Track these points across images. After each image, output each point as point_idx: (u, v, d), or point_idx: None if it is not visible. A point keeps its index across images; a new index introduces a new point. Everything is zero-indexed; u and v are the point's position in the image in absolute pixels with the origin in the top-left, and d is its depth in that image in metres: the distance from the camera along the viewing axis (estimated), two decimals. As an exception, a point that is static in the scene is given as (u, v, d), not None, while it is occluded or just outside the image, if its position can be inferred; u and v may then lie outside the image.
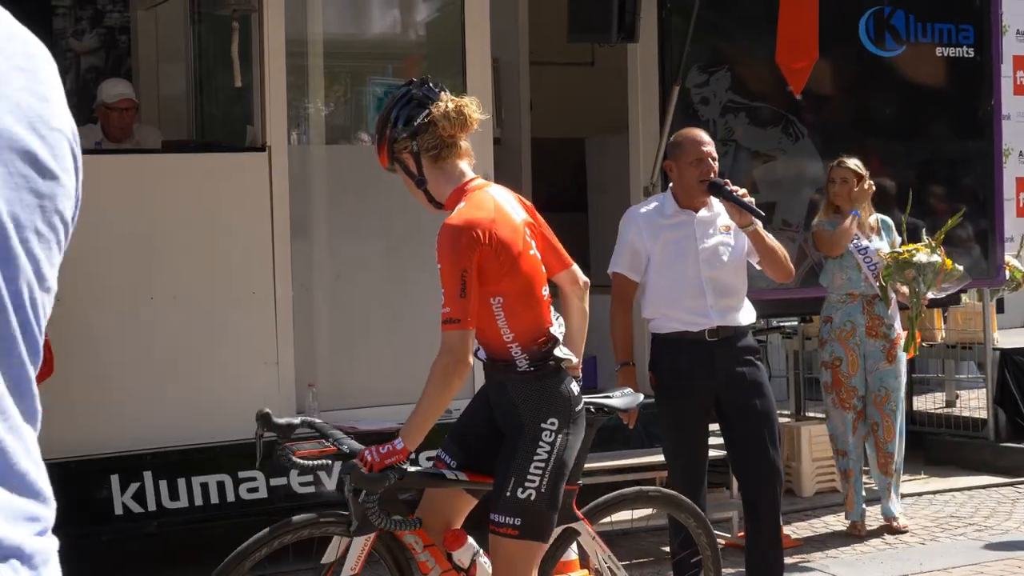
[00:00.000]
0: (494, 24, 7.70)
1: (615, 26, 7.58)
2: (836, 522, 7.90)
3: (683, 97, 7.98)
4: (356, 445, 4.12)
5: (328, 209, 7.42)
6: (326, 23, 7.73)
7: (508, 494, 4.03)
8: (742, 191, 5.48)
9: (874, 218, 7.46)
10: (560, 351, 4.13)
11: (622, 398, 4.59)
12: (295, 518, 4.10)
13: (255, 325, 6.92)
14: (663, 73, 8.04)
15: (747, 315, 5.68)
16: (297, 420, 4.24)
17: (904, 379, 7.61)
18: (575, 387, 4.20)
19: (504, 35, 8.82)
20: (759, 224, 5.47)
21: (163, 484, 6.50)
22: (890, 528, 7.53)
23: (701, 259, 5.57)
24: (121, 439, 6.51)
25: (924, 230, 7.23)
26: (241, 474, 6.58)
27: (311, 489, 6.71)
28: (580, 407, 4.19)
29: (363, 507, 3.95)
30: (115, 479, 6.43)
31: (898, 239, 7.32)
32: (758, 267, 5.70)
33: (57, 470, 6.30)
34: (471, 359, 3.96)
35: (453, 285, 3.88)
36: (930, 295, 7.14)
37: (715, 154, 5.59)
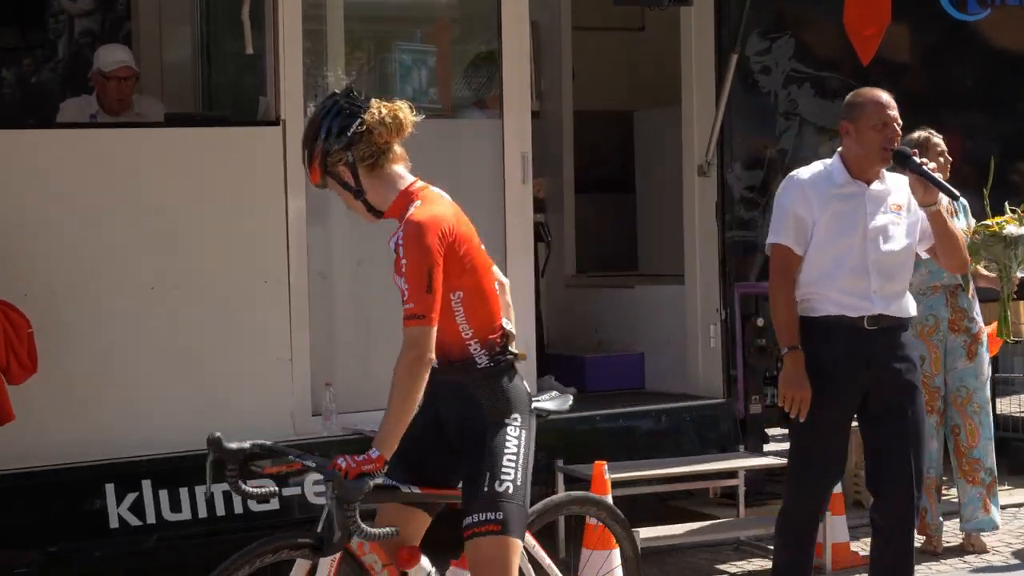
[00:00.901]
0: (533, -17, 7.57)
1: None
2: (910, 537, 7.67)
3: (742, 66, 7.92)
4: (321, 460, 4.25)
5: (347, 189, 7.24)
6: (348, -18, 7.58)
7: (486, 490, 4.23)
8: (932, 164, 5.38)
9: (948, 199, 7.22)
10: (513, 346, 4.41)
11: (552, 400, 4.67)
12: (256, 544, 4.17)
13: (267, 318, 6.86)
14: (719, 40, 7.98)
15: (910, 306, 5.56)
16: (247, 444, 4.33)
17: (987, 377, 7.41)
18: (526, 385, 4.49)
19: (544, -4, 8.68)
20: (943, 204, 5.39)
21: (163, 494, 6.43)
22: (971, 545, 7.31)
23: (869, 237, 5.41)
24: (117, 444, 6.44)
25: (1007, 203, 7.13)
26: (250, 483, 6.41)
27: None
28: (532, 406, 4.47)
29: (344, 516, 4.07)
30: (111, 488, 6.36)
31: (973, 222, 7.16)
32: (924, 255, 5.63)
33: (47, 478, 6.31)
34: (433, 356, 4.17)
35: (418, 281, 4.12)
36: (1020, 273, 7.06)
37: (899, 120, 5.45)
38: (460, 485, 4.37)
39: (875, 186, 5.46)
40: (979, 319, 7.29)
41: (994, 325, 7.17)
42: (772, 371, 8.19)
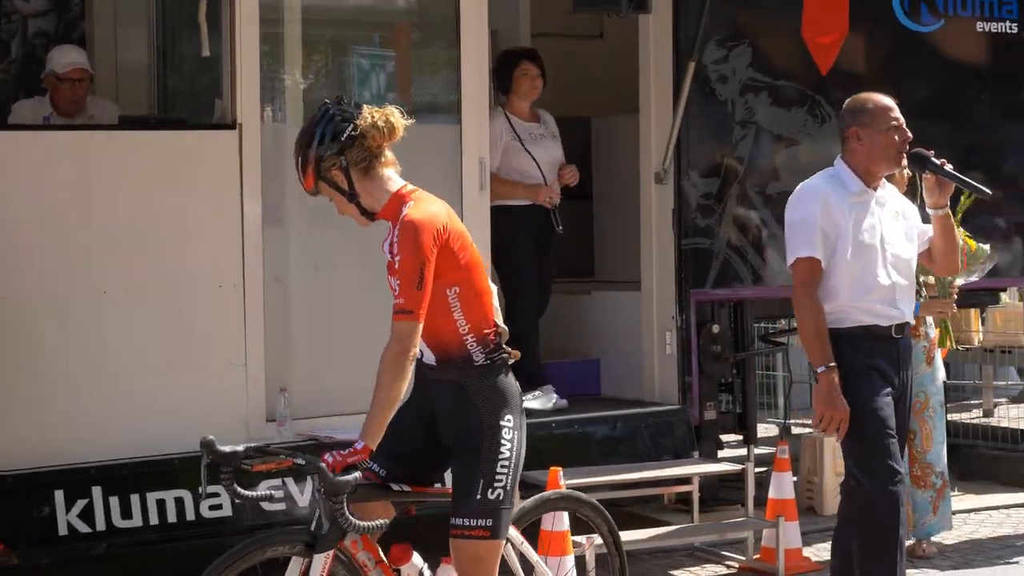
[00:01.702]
0: (493, -10, 7.52)
1: None
2: (863, 544, 7.65)
3: (699, 74, 7.92)
4: (309, 458, 4.26)
5: (304, 193, 7.12)
6: (305, -15, 7.50)
7: (479, 497, 4.35)
8: (949, 164, 5.36)
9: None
10: (505, 345, 4.53)
11: (535, 400, 4.67)
12: (252, 540, 4.25)
13: (221, 322, 6.79)
14: (677, 48, 7.97)
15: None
16: (241, 448, 4.33)
17: (942, 383, 7.44)
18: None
19: (503, 3, 8.65)
20: (949, 207, 5.38)
21: (114, 501, 6.34)
22: (922, 550, 7.31)
23: (887, 244, 5.36)
24: (67, 450, 6.37)
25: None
26: (236, 487, 6.36)
27: (281, 506, 6.58)
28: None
29: (332, 509, 4.15)
30: (59, 495, 6.27)
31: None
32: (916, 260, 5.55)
33: (-7, 485, 6.22)
34: (417, 351, 4.31)
35: (411, 277, 4.25)
36: (959, 281, 7.13)
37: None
38: (450, 483, 4.49)
39: (879, 192, 5.42)
40: (932, 325, 7.30)
41: (938, 331, 7.27)
42: (726, 378, 8.19)
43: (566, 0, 7.73)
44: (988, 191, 5.38)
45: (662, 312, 8.00)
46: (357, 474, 4.13)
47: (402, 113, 4.46)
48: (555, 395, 7.76)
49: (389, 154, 4.46)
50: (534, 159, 7.95)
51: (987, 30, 8.85)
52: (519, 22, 9.43)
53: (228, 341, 6.78)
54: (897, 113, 5.37)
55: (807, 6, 8.19)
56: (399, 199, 4.40)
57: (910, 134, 5.38)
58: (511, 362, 4.54)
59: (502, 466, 4.38)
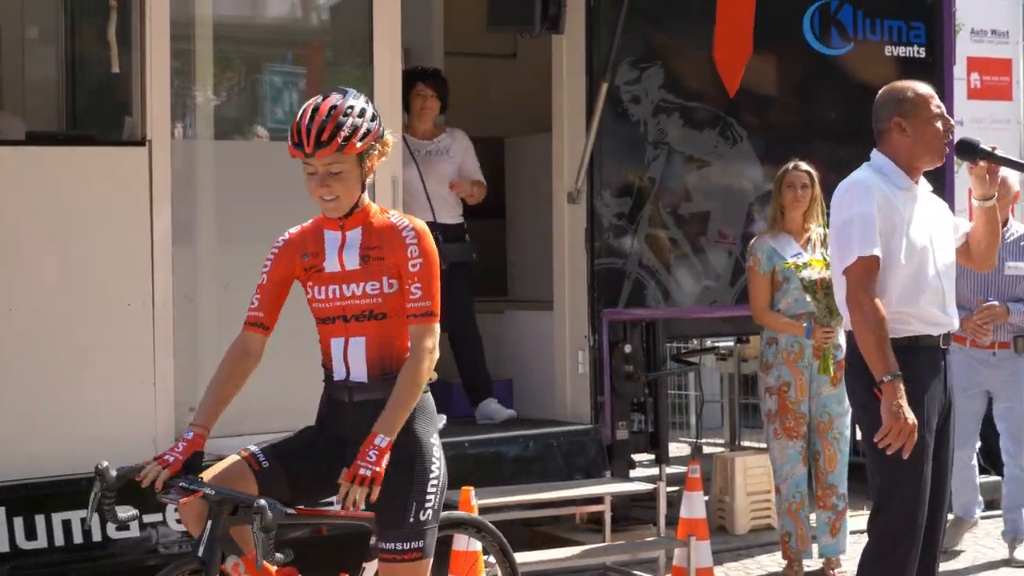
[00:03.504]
0: (405, 9, 7.58)
1: (538, 15, 7.57)
2: (772, 563, 7.79)
3: (612, 95, 7.98)
4: (247, 496, 4.22)
5: (216, 211, 7.25)
6: (217, 2, 7.53)
7: (411, 520, 4.34)
8: (999, 149, 5.04)
9: (816, 232, 7.34)
10: None
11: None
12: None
13: (130, 341, 6.74)
14: (590, 68, 8.03)
15: None
16: (125, 470, 4.28)
17: (848, 406, 7.46)
18: None
19: (416, 21, 8.68)
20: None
21: (18, 522, 6.27)
22: (831, 570, 7.38)
23: (934, 243, 5.03)
24: None
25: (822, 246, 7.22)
26: (117, 511, 6.29)
27: (181, 527, 6.43)
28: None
29: (267, 542, 4.12)
30: None
31: None
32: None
33: None
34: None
35: (433, 281, 4.35)
36: (833, 322, 7.10)
37: None
38: (372, 505, 4.39)
39: (920, 187, 5.10)
40: (844, 347, 7.34)
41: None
42: (639, 397, 8.23)
43: (480, 19, 7.77)
44: None
45: (575, 332, 8.05)
46: (282, 507, 4.12)
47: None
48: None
49: None
50: (420, 173, 7.99)
51: (896, 54, 9.00)
52: (432, 41, 9.47)
53: (137, 360, 6.73)
54: (939, 101, 5.05)
55: (718, 28, 8.29)
56: (365, 210, 4.43)
57: (953, 122, 5.09)
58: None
59: (432, 486, 4.38)
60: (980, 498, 7.96)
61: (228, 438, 6.58)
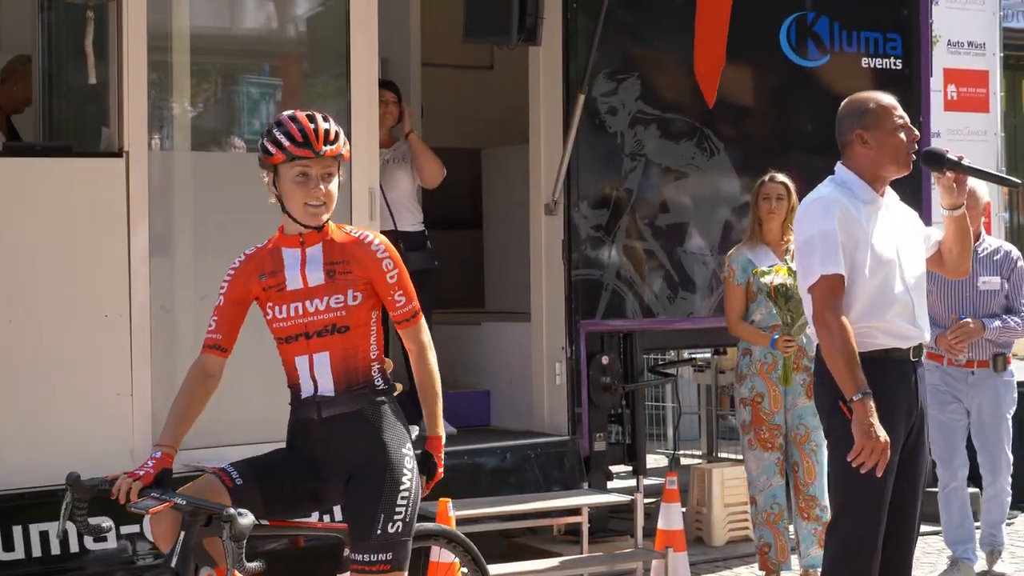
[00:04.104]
0: (383, 21, 7.59)
1: (515, 27, 7.54)
2: (749, 574, 7.84)
3: (589, 106, 7.99)
4: (215, 505, 4.22)
5: (193, 222, 7.25)
6: (194, 15, 7.55)
7: (379, 532, 4.34)
8: (967, 159, 4.99)
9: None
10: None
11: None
12: None
13: (107, 352, 6.74)
14: (567, 80, 8.05)
15: None
16: (98, 480, 4.34)
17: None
18: None
19: (394, 33, 8.71)
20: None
21: (-4, 532, 6.28)
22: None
23: (901, 255, 5.00)
24: None
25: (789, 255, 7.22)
26: (88, 521, 6.29)
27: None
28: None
29: (237, 552, 4.10)
30: None
31: None
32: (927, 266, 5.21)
33: None
34: None
35: (409, 282, 4.51)
36: (799, 334, 7.13)
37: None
38: (345, 517, 4.49)
39: (886, 199, 5.07)
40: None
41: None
42: (616, 409, 8.26)
43: (457, 30, 7.78)
44: (1017, 180, 5.07)
45: (552, 343, 8.08)
46: (252, 517, 4.14)
47: None
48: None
49: None
50: (380, 184, 8.00)
51: (872, 66, 9.05)
52: (409, 52, 9.48)
53: (114, 371, 6.73)
54: (901, 111, 5.01)
55: (698, 40, 8.33)
56: (327, 226, 4.49)
57: (917, 132, 5.05)
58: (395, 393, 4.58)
59: (402, 498, 4.38)
60: (975, 533, 7.71)
61: (231, 446, 6.66)
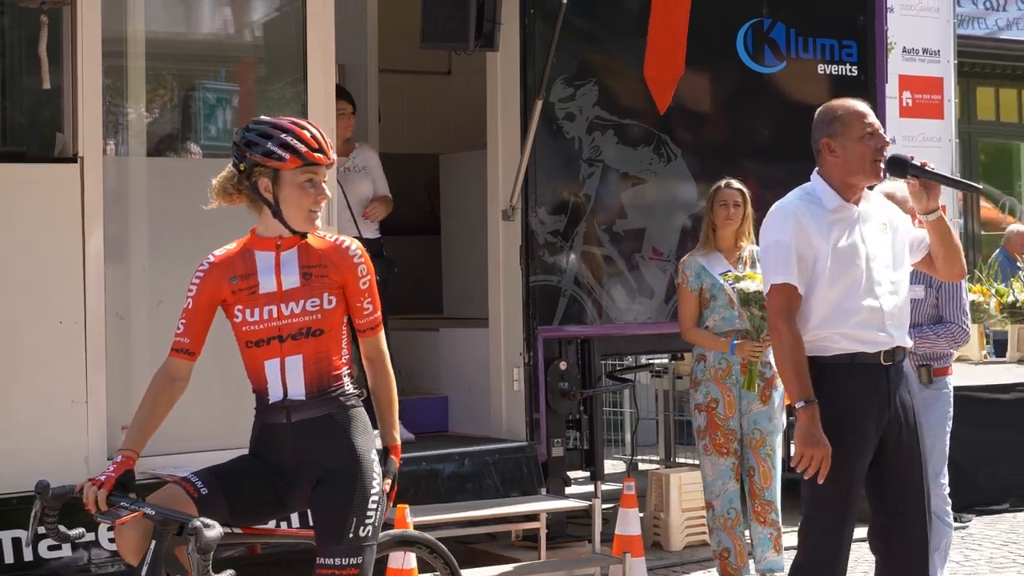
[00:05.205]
0: (340, 26, 7.59)
1: (472, 32, 7.54)
2: (708, 579, 7.82)
3: (547, 112, 8.00)
4: (183, 515, 4.20)
5: (148, 229, 7.22)
6: (149, 19, 7.53)
7: (351, 536, 4.35)
8: (931, 164, 4.97)
9: (748, 250, 7.41)
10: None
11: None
12: None
13: (61, 359, 6.70)
14: (525, 85, 8.07)
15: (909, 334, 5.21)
16: (69, 488, 4.33)
17: (781, 421, 7.52)
18: None
19: (351, 38, 8.71)
20: (944, 210, 4.96)
21: (-52, 541, 6.23)
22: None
23: (872, 262, 5.01)
24: None
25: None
26: (60, 528, 6.27)
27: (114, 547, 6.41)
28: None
29: (204, 565, 4.09)
30: None
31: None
32: (915, 267, 5.24)
33: None
34: None
35: (376, 292, 4.54)
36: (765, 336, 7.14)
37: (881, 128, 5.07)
38: (314, 520, 4.49)
39: (862, 206, 5.06)
40: (773, 364, 7.36)
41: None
42: (574, 414, 8.28)
43: (414, 36, 7.79)
44: (978, 185, 5.02)
45: (510, 349, 8.10)
46: (220, 528, 4.11)
47: None
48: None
49: None
50: (344, 193, 8.01)
51: (828, 72, 9.12)
52: (367, 57, 9.48)
53: (69, 378, 6.69)
54: (871, 119, 5.02)
55: (649, 46, 8.37)
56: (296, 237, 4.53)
57: (887, 139, 5.07)
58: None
59: (373, 502, 4.40)
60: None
61: (186, 454, 6.64)
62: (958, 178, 4.99)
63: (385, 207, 8.26)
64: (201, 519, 4.09)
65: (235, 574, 4.21)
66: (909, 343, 5.14)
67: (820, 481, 4.84)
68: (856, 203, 5.06)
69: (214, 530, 4.06)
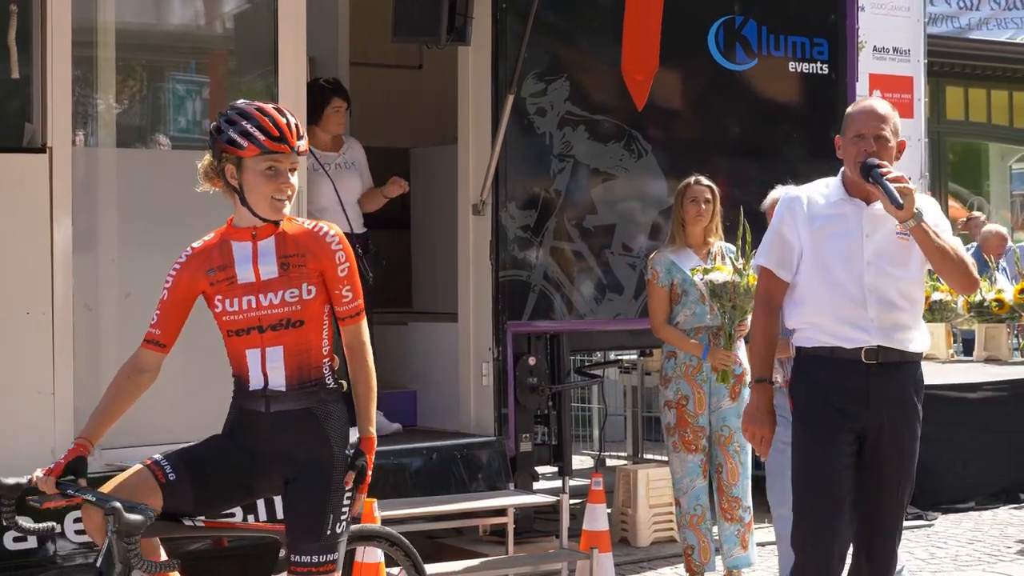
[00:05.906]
0: (311, 18, 7.57)
1: (444, 26, 7.53)
2: (673, 575, 7.89)
3: (518, 107, 8.01)
4: (101, 495, 4.20)
5: (117, 220, 7.18)
6: (120, 9, 7.49)
7: (328, 533, 4.35)
8: (897, 174, 4.90)
9: (718, 246, 7.43)
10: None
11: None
12: None
13: (28, 350, 6.68)
14: (496, 80, 8.07)
15: (920, 340, 5.10)
16: (24, 479, 4.32)
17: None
18: None
19: (322, 31, 8.69)
20: (925, 217, 4.90)
21: (-88, 533, 6.21)
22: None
23: (866, 261, 5.00)
24: None
25: (737, 251, 7.19)
26: (18, 520, 6.24)
27: (88, 537, 6.38)
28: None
29: (127, 549, 4.02)
30: None
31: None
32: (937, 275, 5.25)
33: None
34: None
35: (358, 280, 4.48)
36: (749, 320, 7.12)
37: (885, 132, 5.00)
38: (287, 516, 4.48)
39: (877, 205, 4.99)
40: (744, 361, 7.40)
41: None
42: (542, 410, 8.29)
43: (385, 30, 7.77)
44: (900, 201, 4.84)
45: (479, 344, 8.10)
46: (150, 512, 4.07)
47: None
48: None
49: None
50: (334, 186, 8.01)
51: (799, 70, 9.16)
52: (338, 50, 9.45)
53: (36, 369, 6.66)
54: (870, 121, 5.01)
55: (625, 42, 8.39)
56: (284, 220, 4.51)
57: (873, 145, 4.98)
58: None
59: (347, 499, 4.40)
60: None
61: (154, 446, 6.59)
62: (892, 189, 4.83)
63: (380, 199, 8.31)
64: (123, 501, 4.04)
65: (177, 562, 4.21)
66: (910, 347, 5.05)
67: (763, 459, 5.19)
68: (868, 201, 5.05)
69: (136, 515, 3.99)
